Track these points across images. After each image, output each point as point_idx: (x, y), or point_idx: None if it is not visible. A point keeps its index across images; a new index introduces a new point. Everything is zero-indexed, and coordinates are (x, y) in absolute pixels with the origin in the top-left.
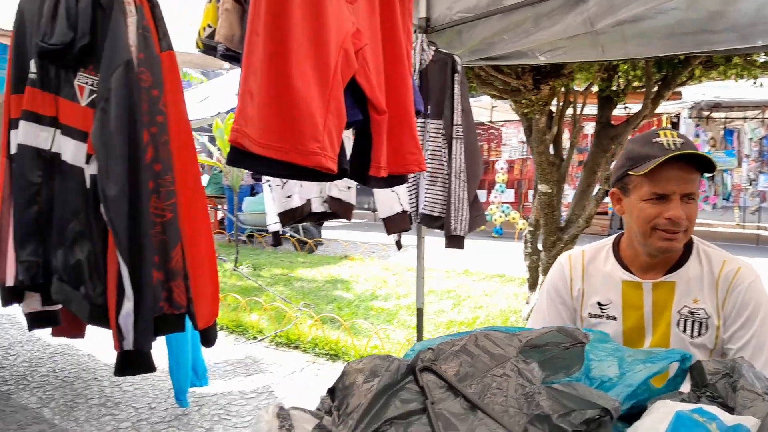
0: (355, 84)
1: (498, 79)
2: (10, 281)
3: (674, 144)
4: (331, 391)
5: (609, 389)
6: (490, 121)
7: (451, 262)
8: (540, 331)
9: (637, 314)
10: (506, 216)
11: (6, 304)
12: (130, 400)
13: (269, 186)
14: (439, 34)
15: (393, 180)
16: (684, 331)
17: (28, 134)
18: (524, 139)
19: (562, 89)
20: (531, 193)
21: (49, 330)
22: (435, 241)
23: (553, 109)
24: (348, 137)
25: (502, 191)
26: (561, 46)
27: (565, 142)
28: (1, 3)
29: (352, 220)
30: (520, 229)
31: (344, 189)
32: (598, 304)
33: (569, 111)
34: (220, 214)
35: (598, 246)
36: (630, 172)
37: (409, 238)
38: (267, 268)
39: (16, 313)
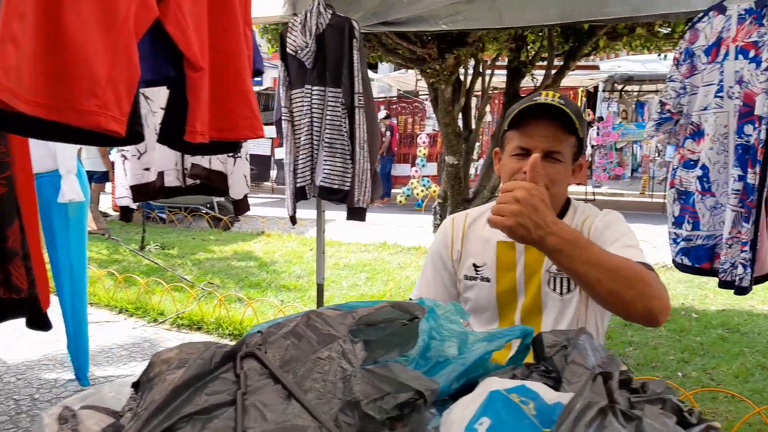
0: (165, 34)
1: (403, 47)
2: None
3: (551, 102)
4: (136, 385)
5: (443, 368)
6: (415, 93)
7: (369, 236)
8: (374, 307)
9: (510, 275)
10: (427, 189)
11: None
12: None
13: (123, 157)
14: None
15: (221, 147)
16: (554, 289)
17: None
18: None
19: (471, 60)
20: None
21: None
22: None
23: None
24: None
25: (423, 165)
26: (461, 10)
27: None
28: None
29: (270, 196)
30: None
31: (225, 160)
32: (474, 265)
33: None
34: None
35: (483, 208)
36: (505, 128)
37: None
38: (177, 247)
39: None
